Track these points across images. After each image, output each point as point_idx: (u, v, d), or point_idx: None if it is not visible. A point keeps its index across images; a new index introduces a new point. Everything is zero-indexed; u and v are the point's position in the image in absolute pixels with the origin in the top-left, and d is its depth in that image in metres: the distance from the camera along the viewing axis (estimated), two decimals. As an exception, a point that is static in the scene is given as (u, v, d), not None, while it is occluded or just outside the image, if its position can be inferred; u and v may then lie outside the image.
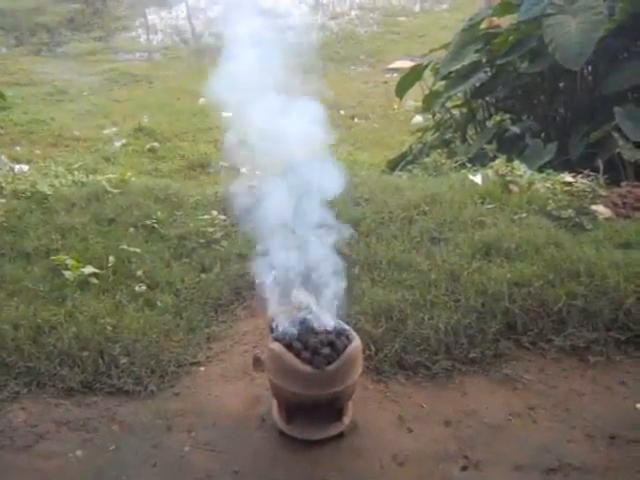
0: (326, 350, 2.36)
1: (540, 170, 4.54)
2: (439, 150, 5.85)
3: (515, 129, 5.61)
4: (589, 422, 2.51)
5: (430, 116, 7.42)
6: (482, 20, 6.31)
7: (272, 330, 2.51)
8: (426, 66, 6.85)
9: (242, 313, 3.24)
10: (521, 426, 2.50)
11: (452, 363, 2.80)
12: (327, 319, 2.49)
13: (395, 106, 10.27)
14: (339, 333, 2.45)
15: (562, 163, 5.05)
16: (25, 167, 6.98)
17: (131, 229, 3.82)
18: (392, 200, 3.94)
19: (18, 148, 9.15)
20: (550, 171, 4.35)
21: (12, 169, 6.17)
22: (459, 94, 6.65)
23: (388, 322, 2.95)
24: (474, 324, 2.92)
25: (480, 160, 5.20)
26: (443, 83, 6.68)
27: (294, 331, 2.45)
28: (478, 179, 4.10)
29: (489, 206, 3.85)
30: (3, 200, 4.07)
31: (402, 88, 7.09)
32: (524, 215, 3.73)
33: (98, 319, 3.00)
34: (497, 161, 4.32)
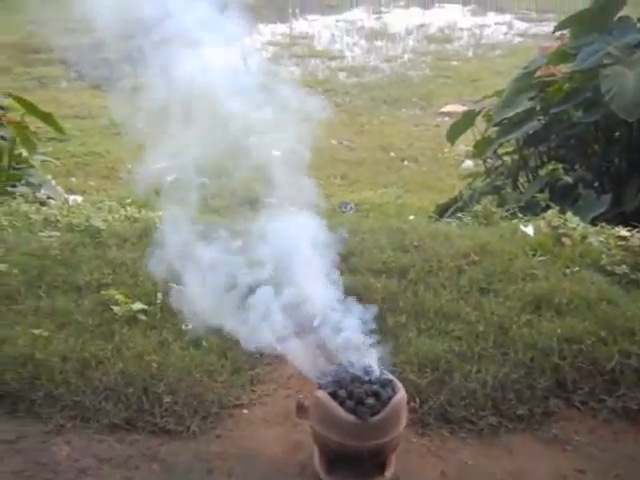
0: (370, 400, 2.33)
1: (593, 222, 4.47)
2: (489, 196, 5.81)
3: (568, 179, 5.54)
4: (640, 489, 2.42)
5: (480, 161, 7.40)
6: (537, 69, 6.30)
7: (316, 378, 2.49)
8: (478, 112, 6.85)
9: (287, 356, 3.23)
10: (570, 490, 2.43)
11: (499, 419, 2.73)
12: (372, 368, 2.46)
13: (445, 150, 10.26)
14: (384, 383, 2.42)
15: (616, 215, 4.97)
16: (79, 198, 7.15)
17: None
18: (441, 248, 3.91)
19: (73, 179, 9.38)
20: (604, 224, 4.27)
21: (67, 200, 6.33)
22: (511, 141, 6.62)
23: (434, 373, 2.91)
24: (522, 379, 2.86)
25: (531, 209, 5.14)
26: (495, 129, 6.66)
27: (339, 379, 2.43)
28: (530, 230, 4.05)
29: (540, 258, 3.78)
30: (58, 233, 4.15)
31: (454, 134, 7.09)
32: (576, 269, 3.65)
33: (144, 356, 3.02)
34: (549, 212, 4.26)
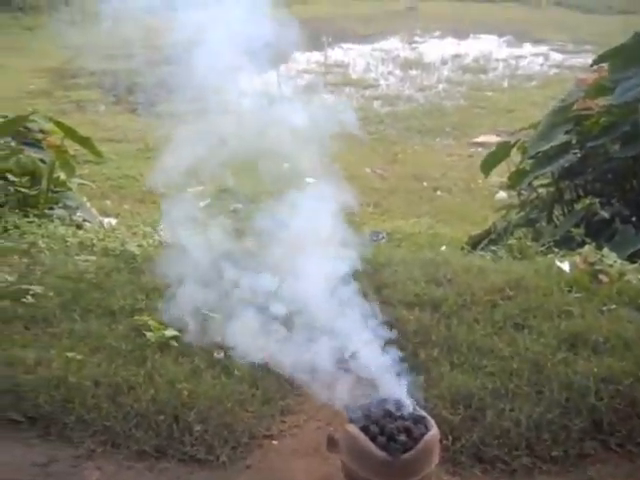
0: (402, 437, 2.30)
1: (631, 258, 4.40)
2: (524, 229, 5.75)
3: (604, 213, 5.49)
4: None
5: (514, 193, 7.34)
6: (574, 102, 6.27)
7: (348, 411, 2.46)
8: (514, 144, 6.82)
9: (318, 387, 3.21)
10: (605, 537, 2.36)
11: (533, 460, 2.67)
12: (405, 404, 2.43)
13: (479, 181, 10.22)
14: (417, 420, 2.39)
15: (655, 252, 4.88)
16: (113, 221, 7.25)
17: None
18: (475, 282, 3.87)
19: (108, 202, 9.50)
20: (642, 261, 4.21)
21: (101, 223, 6.43)
22: (546, 174, 6.57)
23: (467, 410, 2.86)
24: (557, 420, 2.79)
25: (567, 244, 5.08)
26: (530, 162, 6.62)
27: (371, 414, 2.41)
28: (566, 266, 4.00)
29: (576, 295, 3.72)
30: (93, 257, 4.20)
31: (488, 165, 7.06)
32: (613, 307, 3.58)
33: (175, 383, 3.02)
34: (586, 247, 4.20)
